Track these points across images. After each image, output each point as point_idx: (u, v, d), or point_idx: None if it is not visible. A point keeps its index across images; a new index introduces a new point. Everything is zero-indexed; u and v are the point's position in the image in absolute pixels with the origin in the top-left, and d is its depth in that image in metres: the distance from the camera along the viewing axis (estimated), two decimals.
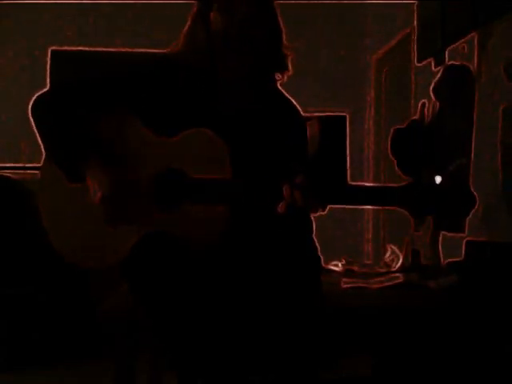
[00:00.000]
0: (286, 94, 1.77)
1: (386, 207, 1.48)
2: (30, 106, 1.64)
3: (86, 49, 4.93)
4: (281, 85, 1.76)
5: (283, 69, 1.72)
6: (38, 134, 1.64)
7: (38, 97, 1.65)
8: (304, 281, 1.56)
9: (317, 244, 1.64)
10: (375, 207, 1.36)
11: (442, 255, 2.96)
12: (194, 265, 1.53)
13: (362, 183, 1.54)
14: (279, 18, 1.70)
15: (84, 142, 1.57)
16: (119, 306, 1.82)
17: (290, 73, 1.73)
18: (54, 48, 4.97)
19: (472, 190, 1.39)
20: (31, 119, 1.63)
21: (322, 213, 1.48)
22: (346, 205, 1.46)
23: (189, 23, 1.69)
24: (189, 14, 1.70)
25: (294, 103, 1.77)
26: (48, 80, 4.93)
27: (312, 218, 1.66)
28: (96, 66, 4.52)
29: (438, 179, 1.39)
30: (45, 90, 1.67)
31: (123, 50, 4.83)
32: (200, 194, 1.53)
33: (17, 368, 3.16)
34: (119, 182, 1.53)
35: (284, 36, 1.70)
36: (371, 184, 1.49)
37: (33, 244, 3.14)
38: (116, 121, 1.61)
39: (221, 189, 1.52)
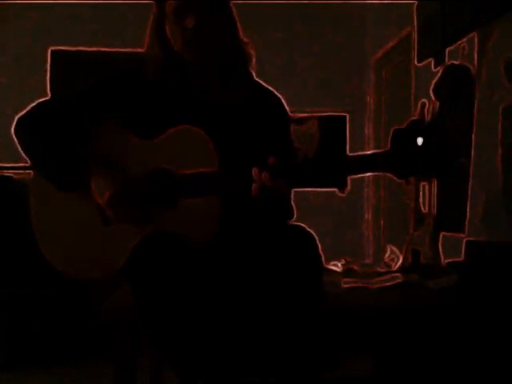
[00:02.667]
0: (265, 85, 1.80)
1: (374, 173, 1.51)
2: (13, 127, 1.65)
3: (86, 49, 4.93)
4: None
5: (247, 59, 1.75)
6: (23, 152, 1.65)
7: (20, 117, 1.67)
8: (305, 280, 1.55)
9: (318, 243, 1.64)
10: (363, 175, 1.39)
11: (442, 255, 2.96)
12: (195, 264, 1.53)
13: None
14: (231, 12, 1.71)
15: (79, 146, 1.58)
16: (119, 306, 1.82)
17: (253, 61, 1.76)
18: (54, 48, 4.97)
19: (448, 147, 1.41)
20: (16, 139, 1.66)
21: (287, 192, 1.51)
22: (334, 176, 1.47)
23: (148, 26, 1.70)
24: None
25: (273, 92, 1.79)
26: (48, 80, 4.93)
27: (292, 203, 1.69)
28: (96, 66, 4.52)
29: (420, 140, 1.42)
30: (25, 111, 1.68)
31: (123, 50, 4.83)
32: (189, 188, 1.54)
33: (17, 368, 3.16)
34: (120, 184, 1.54)
35: (240, 31, 1.72)
36: (356, 154, 1.51)
37: (33, 244, 3.14)
38: (100, 128, 1.63)
39: (209, 181, 1.53)
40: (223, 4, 1.69)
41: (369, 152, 1.49)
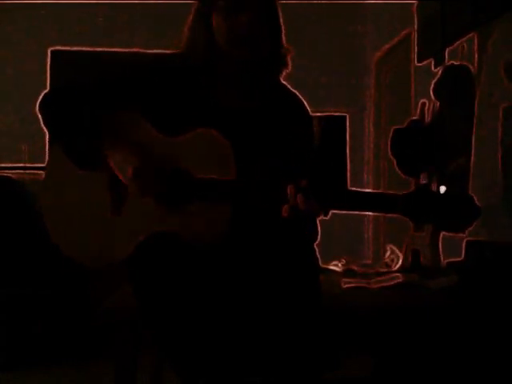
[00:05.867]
0: (291, 89, 1.78)
1: (387, 214, 1.50)
2: (38, 102, 1.64)
3: (86, 49, 4.93)
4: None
5: (284, 66, 1.73)
6: (46, 126, 1.64)
7: (47, 92, 1.67)
8: (303, 281, 1.56)
9: (315, 246, 1.65)
10: (376, 213, 1.38)
11: (441, 255, 2.96)
12: (197, 265, 1.53)
13: (363, 189, 1.54)
14: (280, 17, 1.71)
15: (102, 127, 1.58)
16: (119, 306, 1.82)
17: (289, 69, 1.74)
18: (53, 48, 4.97)
19: (476, 201, 1.39)
20: (39, 114, 1.64)
21: (324, 218, 1.49)
22: (347, 210, 1.46)
23: (189, 24, 1.69)
24: (188, 13, 1.71)
25: (300, 98, 1.77)
26: (48, 80, 4.93)
27: (318, 225, 1.66)
28: (96, 66, 4.53)
29: (443, 189, 1.39)
30: (55, 87, 1.68)
31: (123, 50, 4.83)
32: (204, 193, 1.53)
33: (17, 368, 3.16)
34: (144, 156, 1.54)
35: (283, 34, 1.71)
36: (372, 190, 1.50)
37: (33, 244, 3.14)
38: (126, 117, 1.62)
39: (225, 188, 1.52)
40: (275, 5, 1.69)
41: (385, 192, 1.47)
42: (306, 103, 1.77)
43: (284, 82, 1.77)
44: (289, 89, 1.77)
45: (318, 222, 1.65)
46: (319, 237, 1.67)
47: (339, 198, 1.44)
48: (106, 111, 1.61)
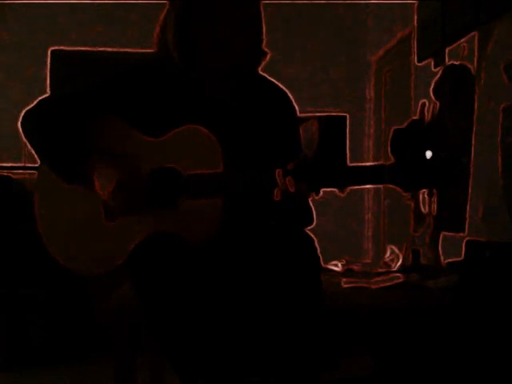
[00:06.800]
0: (270, 79, 1.77)
1: (378, 185, 1.50)
2: (20, 120, 1.64)
3: (86, 49, 4.93)
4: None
5: (262, 59, 1.72)
6: (30, 145, 1.64)
7: (27, 110, 1.66)
8: (304, 280, 1.56)
9: (316, 244, 1.65)
10: (368, 186, 1.39)
11: (441, 255, 2.97)
12: (196, 264, 1.53)
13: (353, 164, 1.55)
14: (263, 17, 1.69)
15: (85, 141, 1.58)
16: (119, 306, 1.82)
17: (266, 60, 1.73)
18: (54, 48, 4.97)
19: (462, 160, 1.41)
20: (22, 131, 1.64)
21: (315, 197, 1.49)
22: (339, 186, 1.46)
23: (165, 24, 1.67)
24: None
25: (280, 86, 1.77)
26: (48, 80, 4.93)
27: (312, 207, 1.67)
28: (96, 66, 4.53)
29: (429, 154, 1.41)
30: (32, 104, 1.67)
31: (123, 50, 4.83)
32: (194, 188, 1.53)
33: (17, 368, 3.16)
34: (124, 177, 1.54)
35: (263, 33, 1.69)
36: (357, 164, 1.50)
37: (32, 244, 3.14)
38: (107, 124, 1.62)
39: (215, 181, 1.53)
40: (259, 5, 1.67)
41: (373, 163, 1.48)
42: (287, 91, 1.76)
43: (262, 73, 1.76)
44: (267, 79, 1.77)
45: (310, 203, 1.65)
46: (315, 222, 1.67)
47: (331, 175, 1.45)
48: (90, 123, 1.60)
